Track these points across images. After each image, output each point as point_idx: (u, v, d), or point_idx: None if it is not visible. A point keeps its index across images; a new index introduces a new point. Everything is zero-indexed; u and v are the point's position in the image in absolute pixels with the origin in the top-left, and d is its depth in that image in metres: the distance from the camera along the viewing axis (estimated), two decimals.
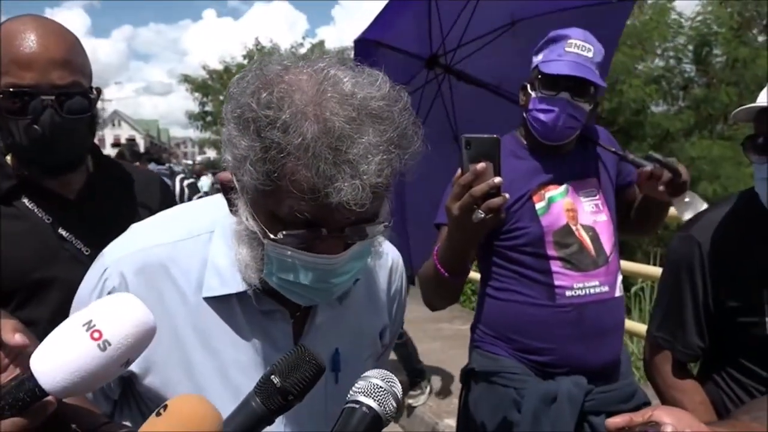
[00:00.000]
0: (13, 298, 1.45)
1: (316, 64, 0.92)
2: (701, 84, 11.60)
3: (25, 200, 1.51)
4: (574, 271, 1.97)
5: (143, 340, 0.81)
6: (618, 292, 2.04)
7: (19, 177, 1.51)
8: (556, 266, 1.97)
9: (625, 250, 4.07)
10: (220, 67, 24.45)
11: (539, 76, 1.98)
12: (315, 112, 0.86)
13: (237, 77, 0.94)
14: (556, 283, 1.96)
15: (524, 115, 2.06)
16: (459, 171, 1.51)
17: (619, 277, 2.07)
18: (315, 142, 0.84)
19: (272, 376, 0.81)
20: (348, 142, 0.86)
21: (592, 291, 1.97)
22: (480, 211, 1.48)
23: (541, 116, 1.98)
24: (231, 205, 1.00)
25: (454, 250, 1.66)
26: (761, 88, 1.49)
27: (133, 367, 1.02)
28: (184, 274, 1.06)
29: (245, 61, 23.78)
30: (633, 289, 5.72)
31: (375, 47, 2.27)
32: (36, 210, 1.51)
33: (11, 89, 1.40)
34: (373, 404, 0.82)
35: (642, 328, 4.95)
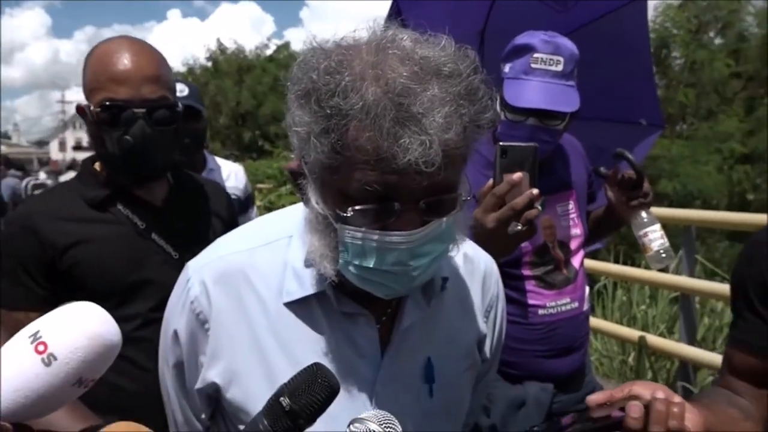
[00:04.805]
0: (109, 299, 1.47)
1: (376, 30, 0.88)
2: (661, 85, 11.89)
3: (120, 207, 1.59)
4: (548, 290, 1.96)
5: (99, 355, 0.71)
6: (586, 306, 2.06)
7: (114, 184, 1.60)
8: (530, 285, 1.94)
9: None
10: (183, 69, 24.13)
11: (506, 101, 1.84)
12: (375, 72, 0.82)
13: (298, 60, 0.90)
14: (530, 302, 1.95)
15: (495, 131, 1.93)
16: (490, 181, 1.43)
17: (587, 290, 2.09)
18: (377, 102, 0.81)
19: (281, 398, 0.75)
20: (411, 97, 0.81)
21: (563, 309, 1.98)
22: (517, 223, 1.42)
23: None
24: (301, 192, 0.95)
25: None
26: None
27: (217, 379, 1.00)
28: (263, 280, 1.02)
29: (209, 63, 23.53)
30: (596, 287, 5.83)
31: None
32: (130, 216, 1.59)
33: (107, 103, 1.51)
34: None
35: (605, 325, 5.06)
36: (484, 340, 1.16)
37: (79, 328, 0.70)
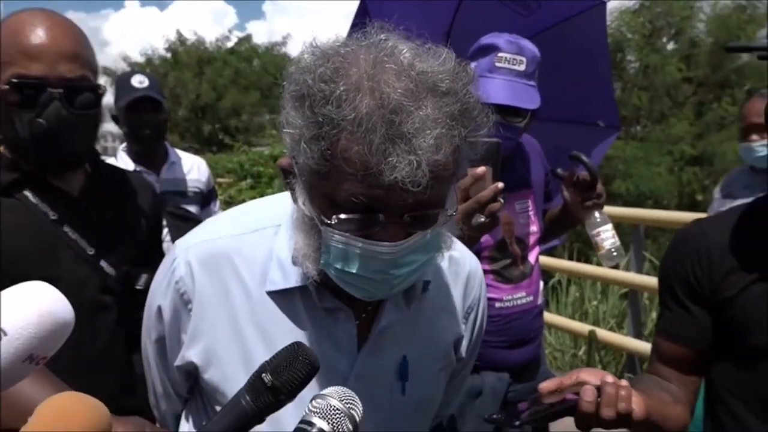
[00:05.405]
0: None
1: (376, 37, 0.88)
2: (616, 88, 12.16)
3: (29, 194, 1.42)
4: (504, 284, 2.05)
5: (50, 332, 0.71)
6: (540, 300, 2.16)
7: (23, 169, 1.43)
8: (488, 279, 2.00)
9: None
10: (141, 59, 23.54)
11: None
12: (370, 85, 0.82)
13: (296, 59, 0.90)
14: (488, 295, 2.01)
15: None
16: None
17: (541, 285, 2.18)
18: (369, 116, 0.80)
19: (263, 374, 0.77)
20: (403, 115, 0.81)
21: (519, 302, 2.07)
22: (480, 215, 1.46)
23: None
24: (291, 189, 0.96)
25: None
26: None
27: (195, 359, 1.01)
28: (248, 266, 1.02)
29: (168, 54, 23.05)
30: (550, 283, 5.97)
31: None
32: (40, 205, 1.43)
33: (17, 80, 1.34)
34: (326, 427, 0.75)
35: (559, 320, 5.20)
36: (460, 341, 1.18)
37: (30, 304, 0.70)
